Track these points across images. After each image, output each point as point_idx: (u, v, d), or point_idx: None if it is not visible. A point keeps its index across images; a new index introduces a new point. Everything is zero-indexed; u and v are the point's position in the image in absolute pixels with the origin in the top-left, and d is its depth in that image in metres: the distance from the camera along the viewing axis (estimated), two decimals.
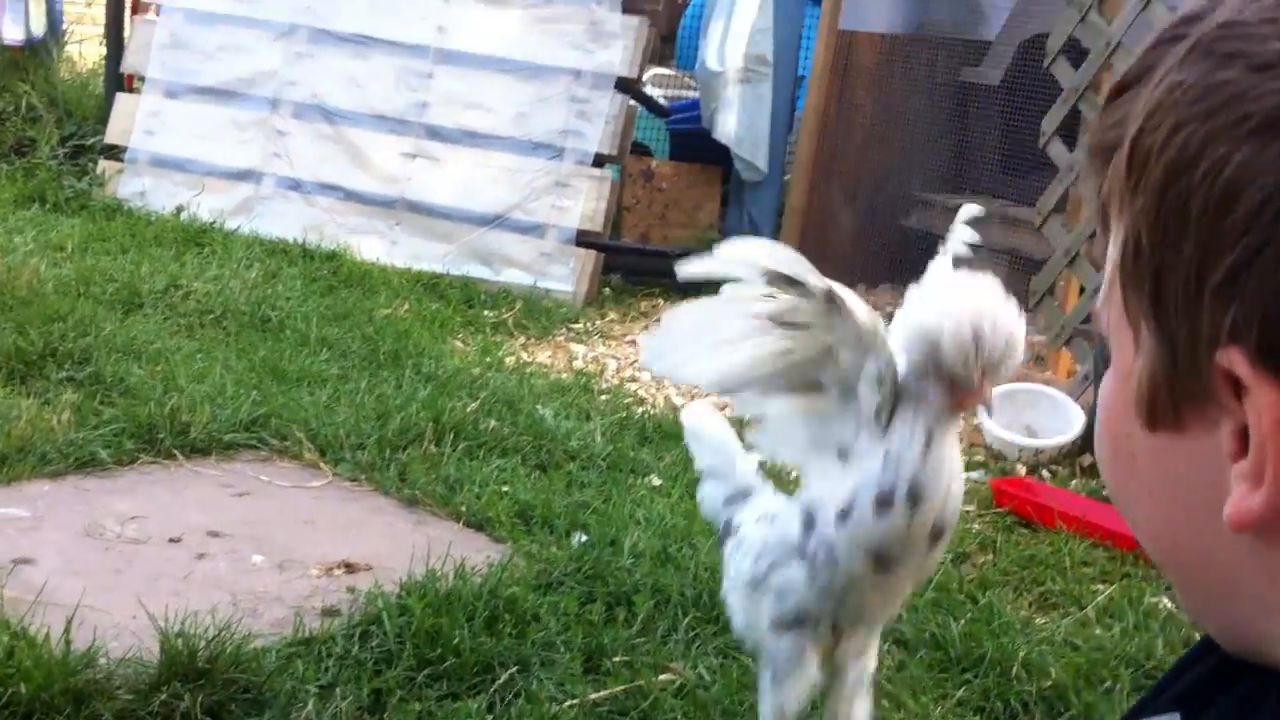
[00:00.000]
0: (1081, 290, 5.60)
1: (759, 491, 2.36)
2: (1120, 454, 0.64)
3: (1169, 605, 3.53)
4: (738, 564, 2.26)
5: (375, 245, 6.94)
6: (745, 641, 2.37)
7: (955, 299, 1.90)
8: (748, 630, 2.28)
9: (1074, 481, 4.50)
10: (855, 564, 1.99)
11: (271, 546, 3.57)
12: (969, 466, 4.65)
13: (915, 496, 1.92)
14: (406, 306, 6.15)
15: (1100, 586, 3.63)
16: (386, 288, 6.37)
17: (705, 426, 2.48)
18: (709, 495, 2.42)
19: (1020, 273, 6.55)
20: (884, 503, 1.93)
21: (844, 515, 1.98)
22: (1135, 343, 0.60)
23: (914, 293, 2.06)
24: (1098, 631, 3.33)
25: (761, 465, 2.47)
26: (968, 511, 4.19)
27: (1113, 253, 0.62)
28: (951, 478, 1.98)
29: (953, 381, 1.88)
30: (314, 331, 5.43)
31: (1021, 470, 4.56)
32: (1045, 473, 4.59)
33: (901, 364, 1.98)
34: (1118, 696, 3.01)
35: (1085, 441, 4.70)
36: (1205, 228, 0.55)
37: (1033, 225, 6.30)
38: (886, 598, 2.15)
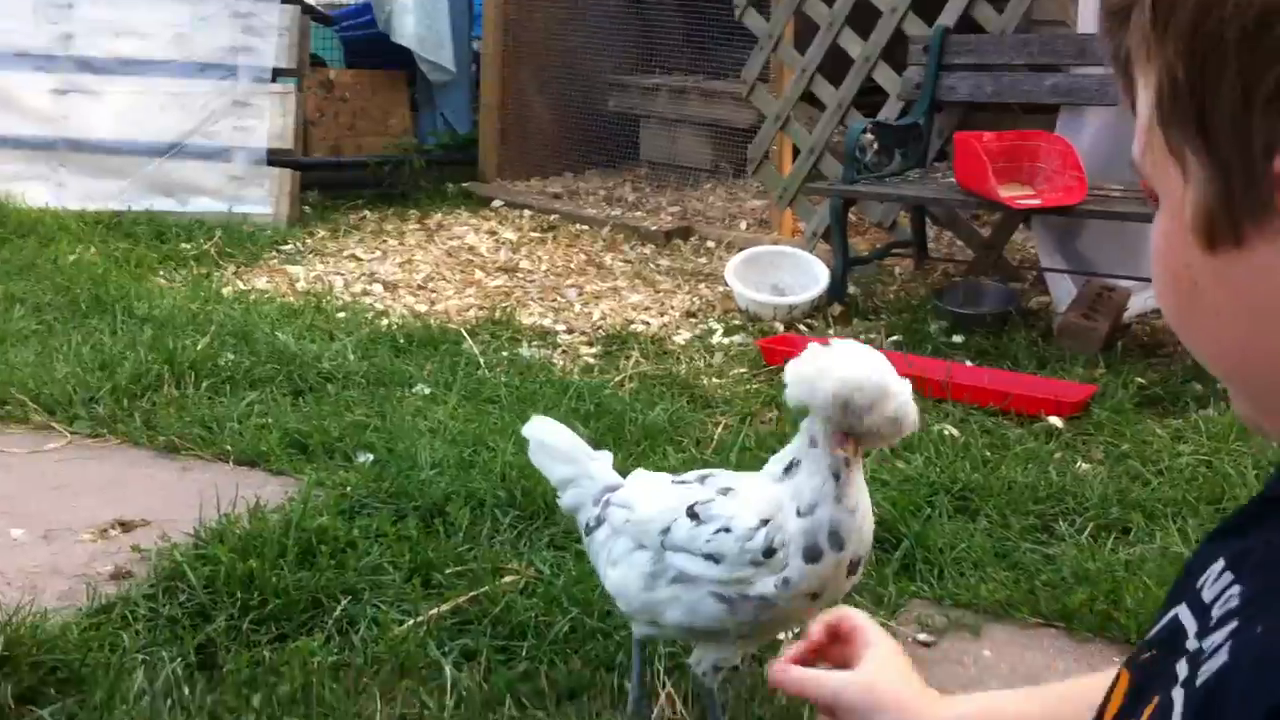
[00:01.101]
0: (796, 152, 5.71)
1: (636, 482, 2.38)
2: (1181, 285, 0.66)
3: (954, 432, 3.67)
4: (619, 552, 2.29)
5: (41, 190, 6.32)
6: (633, 614, 2.34)
7: (823, 361, 2.05)
8: (640, 610, 2.29)
9: (830, 331, 4.61)
10: (792, 605, 2.13)
11: (27, 518, 3.20)
12: (727, 331, 4.70)
13: (837, 540, 2.07)
14: (93, 250, 5.64)
15: None
16: (65, 233, 5.82)
17: (548, 437, 2.44)
18: (575, 500, 2.41)
19: (726, 142, 6.64)
20: (813, 557, 2.07)
21: (786, 583, 2.10)
22: (1183, 177, 0.63)
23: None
24: (901, 465, 3.42)
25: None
26: (743, 373, 4.23)
27: (1144, 105, 0.65)
28: (864, 515, 2.10)
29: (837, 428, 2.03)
30: None
31: (779, 328, 4.63)
32: (801, 327, 4.69)
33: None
34: (940, 520, 3.11)
35: (832, 293, 4.83)
36: (1246, 52, 0.58)
37: (731, 96, 6.39)
38: (803, 618, 2.31)
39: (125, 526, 3.17)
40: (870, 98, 5.56)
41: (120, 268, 5.40)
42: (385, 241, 6.10)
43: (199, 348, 4.28)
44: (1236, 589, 0.67)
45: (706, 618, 2.17)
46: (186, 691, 2.43)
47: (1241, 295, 0.63)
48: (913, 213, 5.42)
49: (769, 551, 2.09)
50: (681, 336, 4.66)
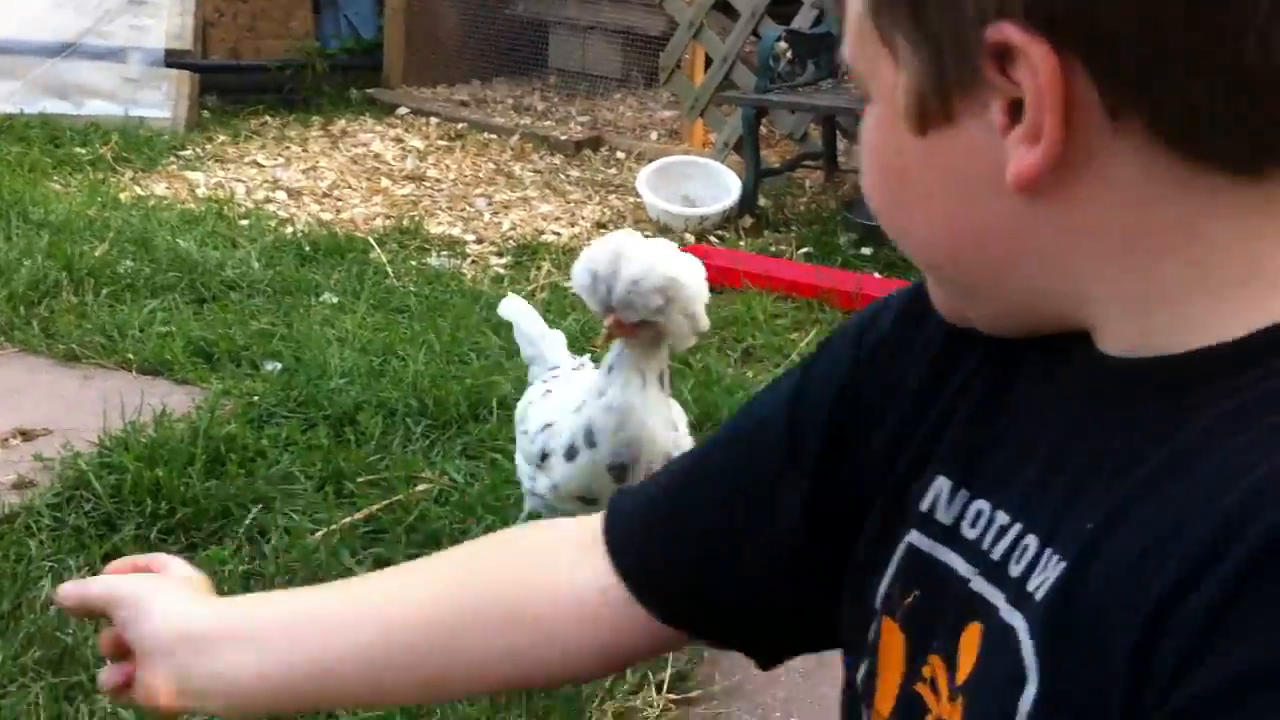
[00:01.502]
0: (708, 62, 5.67)
1: (563, 367, 2.49)
2: (890, 173, 0.67)
3: None
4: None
5: None
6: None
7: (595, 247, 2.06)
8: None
9: (741, 243, 4.62)
10: (567, 507, 2.16)
11: None
12: None
13: (591, 438, 2.09)
14: None
15: (795, 335, 3.76)
16: None
17: (519, 319, 2.60)
18: (533, 378, 2.54)
19: (638, 50, 6.57)
20: (570, 455, 2.13)
21: (554, 488, 2.19)
22: (895, 63, 0.63)
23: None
24: None
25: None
26: None
27: (853, 2, 0.65)
28: (630, 415, 2.06)
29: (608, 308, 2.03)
30: None
31: (690, 239, 4.62)
32: (712, 239, 4.69)
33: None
34: None
35: (743, 204, 4.83)
36: None
37: (642, 2, 6.31)
38: None
39: (26, 435, 3.10)
40: (784, 7, 5.52)
41: (13, 172, 5.22)
42: (288, 148, 5.96)
43: (98, 254, 4.18)
44: (986, 504, 0.67)
45: (530, 504, 2.34)
46: None
47: (951, 173, 0.63)
48: (823, 124, 5.42)
49: (543, 456, 2.19)
50: None
